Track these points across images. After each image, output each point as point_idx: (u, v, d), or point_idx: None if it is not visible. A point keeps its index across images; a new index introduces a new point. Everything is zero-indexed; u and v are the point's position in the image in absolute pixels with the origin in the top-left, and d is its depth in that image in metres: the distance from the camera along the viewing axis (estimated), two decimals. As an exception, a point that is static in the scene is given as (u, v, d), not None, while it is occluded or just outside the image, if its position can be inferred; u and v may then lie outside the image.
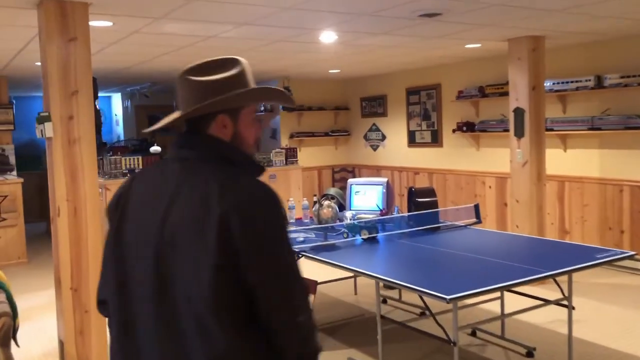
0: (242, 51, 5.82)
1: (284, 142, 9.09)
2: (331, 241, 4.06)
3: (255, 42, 5.35)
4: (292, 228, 4.79)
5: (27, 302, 5.76)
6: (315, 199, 5.26)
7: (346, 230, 4.26)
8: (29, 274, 6.87)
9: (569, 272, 3.32)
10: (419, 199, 4.56)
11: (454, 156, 7.87)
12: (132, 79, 8.48)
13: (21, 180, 7.41)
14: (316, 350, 1.35)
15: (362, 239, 4.16)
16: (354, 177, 9.59)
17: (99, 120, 3.65)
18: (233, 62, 1.48)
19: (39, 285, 6.36)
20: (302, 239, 4.24)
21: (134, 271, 1.36)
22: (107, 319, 1.50)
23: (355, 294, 5.48)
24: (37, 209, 10.65)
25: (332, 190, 5.19)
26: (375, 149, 9.25)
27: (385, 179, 4.96)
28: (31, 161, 10.10)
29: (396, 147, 8.82)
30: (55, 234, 3.49)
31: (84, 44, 3.47)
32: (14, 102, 10.68)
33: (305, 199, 5.29)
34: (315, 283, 4.26)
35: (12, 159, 7.39)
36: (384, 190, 4.87)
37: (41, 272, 6.87)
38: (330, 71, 8.08)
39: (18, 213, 7.41)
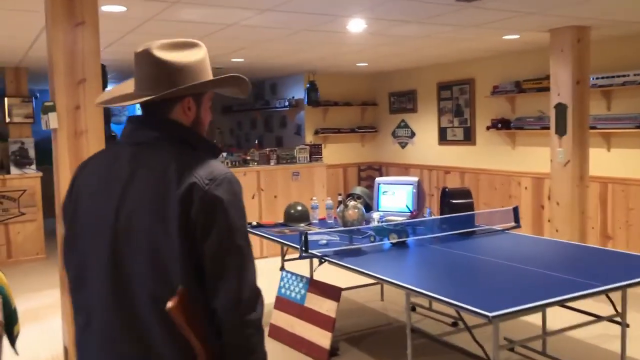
0: (265, 41, 5.53)
1: (309, 138, 8.79)
2: (357, 245, 3.75)
3: (279, 31, 5.06)
4: (314, 229, 4.49)
5: (40, 301, 5.58)
6: (339, 198, 4.96)
7: (373, 234, 3.94)
8: (45, 271, 6.70)
9: (624, 288, 2.95)
10: (454, 201, 4.21)
11: (488, 155, 7.47)
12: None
13: (40, 174, 7.25)
14: (255, 322, 1.37)
15: (391, 243, 3.84)
16: (381, 175, 9.24)
17: (109, 110, 3.38)
18: (197, 45, 1.48)
19: (54, 282, 6.17)
20: (325, 241, 3.93)
21: (92, 260, 1.39)
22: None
23: (382, 299, 5.15)
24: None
25: (358, 190, 4.87)
26: (403, 147, 8.90)
27: (415, 179, 4.62)
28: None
29: (426, 145, 8.45)
30: (58, 241, 3.24)
31: (92, 28, 3.21)
32: (38, 95, 10.62)
33: (329, 198, 4.99)
34: (339, 290, 3.95)
35: (32, 153, 7.23)
36: (415, 191, 4.53)
37: (57, 270, 6.69)
38: (358, 64, 7.74)
39: (37, 208, 7.26)
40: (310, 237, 3.60)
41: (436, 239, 3.99)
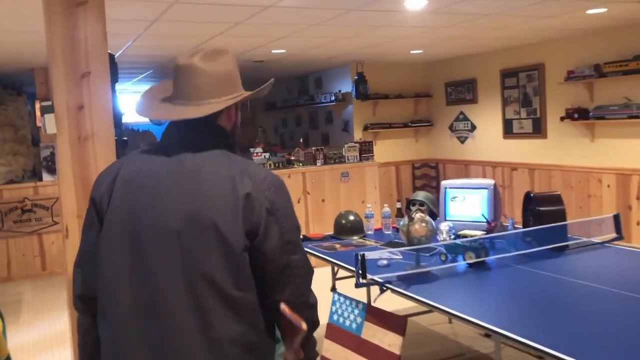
0: (308, 27, 4.86)
1: (357, 135, 8.10)
2: (425, 268, 3.04)
3: (324, 14, 4.38)
4: (370, 243, 3.81)
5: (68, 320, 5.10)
6: (398, 205, 4.26)
7: (444, 252, 3.23)
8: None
9: None
10: (541, 208, 3.45)
11: (562, 149, 6.60)
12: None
13: (73, 180, 6.81)
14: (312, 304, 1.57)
15: (467, 264, 3.12)
16: (437, 173, 8.46)
17: (119, 110, 2.78)
18: (227, 52, 1.58)
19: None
20: (385, 262, 3.24)
21: (154, 253, 1.42)
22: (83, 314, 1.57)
23: (450, 321, 4.43)
24: None
25: (421, 195, 4.15)
26: (463, 141, 8.09)
27: (491, 181, 3.87)
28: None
29: (489, 139, 7.62)
30: (65, 262, 2.68)
31: (96, 9, 2.62)
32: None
33: (386, 205, 4.29)
34: (404, 320, 3.25)
35: (64, 158, 6.79)
36: (491, 196, 3.79)
37: (92, 283, 6.23)
38: (412, 52, 6.99)
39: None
40: (367, 255, 2.93)
41: (521, 257, 3.25)
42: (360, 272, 2.88)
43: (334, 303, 3.74)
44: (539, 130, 6.83)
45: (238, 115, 1.61)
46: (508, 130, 7.28)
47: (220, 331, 1.39)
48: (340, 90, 8.25)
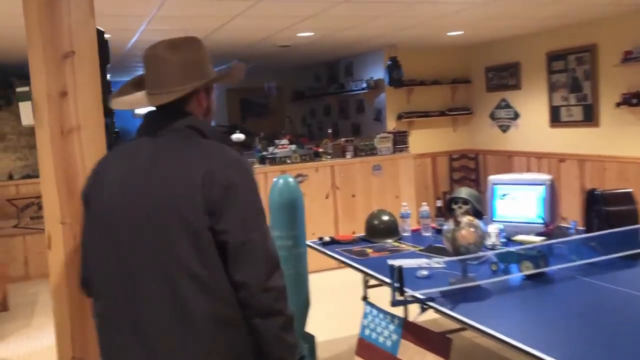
0: (336, 5, 4.39)
1: (390, 124, 7.59)
2: (472, 280, 2.57)
3: (354, -11, 3.90)
4: (406, 247, 3.35)
5: None
6: (438, 203, 3.78)
7: (496, 261, 2.75)
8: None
9: None
10: (610, 208, 2.93)
11: (617, 138, 5.99)
12: (215, 57, 7.33)
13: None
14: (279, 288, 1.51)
15: (524, 276, 2.64)
16: (476, 165, 7.90)
17: (109, 97, 2.37)
18: (197, 40, 1.63)
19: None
20: (425, 272, 2.77)
21: (129, 241, 1.50)
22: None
23: (496, 334, 3.93)
24: None
25: (464, 192, 3.66)
26: (505, 130, 7.51)
27: (548, 177, 3.36)
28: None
29: (533, 128, 7.03)
30: (49, 277, 2.28)
31: (81, -23, 2.20)
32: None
33: (424, 204, 3.80)
34: (449, 342, 2.79)
35: (82, 151, 6.47)
36: (548, 193, 3.28)
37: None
38: (450, 34, 6.44)
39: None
40: (404, 264, 2.48)
41: (587, 267, 2.74)
42: (397, 284, 2.42)
43: (365, 316, 3.29)
44: (590, 117, 6.22)
45: (210, 100, 1.64)
46: (555, 118, 6.68)
47: (194, 310, 1.45)
48: (372, 77, 7.75)
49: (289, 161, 5.77)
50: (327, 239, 3.56)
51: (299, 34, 5.77)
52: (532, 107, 7.01)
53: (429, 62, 7.78)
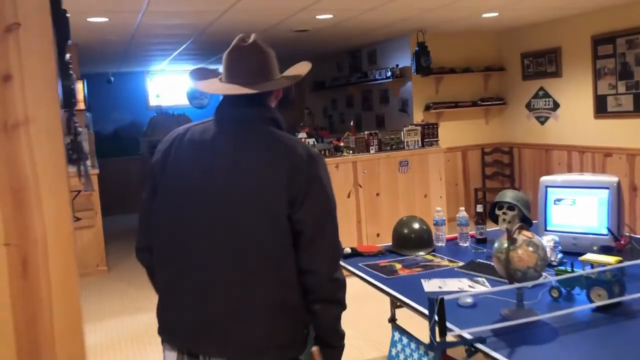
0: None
1: (417, 116, 7.03)
2: (532, 314, 2.02)
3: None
4: (442, 262, 2.82)
5: (105, 334, 4.41)
6: (479, 208, 3.25)
7: (557, 285, 2.21)
8: (108, 288, 5.54)
9: None
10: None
11: (674, 130, 5.36)
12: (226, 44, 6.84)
13: (97, 171, 6.08)
14: (341, 278, 1.64)
15: (594, 307, 2.09)
16: (511, 159, 7.30)
17: (70, 83, 1.85)
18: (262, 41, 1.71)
19: (122, 304, 5.00)
20: (470, 300, 2.23)
21: (203, 214, 1.57)
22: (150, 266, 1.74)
23: None
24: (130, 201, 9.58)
25: (509, 196, 3.10)
26: (543, 122, 6.89)
27: (614, 179, 2.78)
28: (131, 145, 8.93)
29: (575, 119, 6.41)
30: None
31: None
32: (112, 78, 9.64)
33: (462, 210, 3.26)
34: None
35: (87, 146, 6.05)
36: (613, 198, 2.71)
37: (122, 287, 5.50)
38: (485, 15, 5.84)
39: (95, 212, 6.12)
40: (443, 285, 1.95)
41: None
42: (436, 322, 1.89)
43: (393, 344, 2.78)
44: (642, 107, 5.59)
45: (277, 99, 1.74)
46: (601, 109, 6.05)
47: (259, 289, 1.54)
48: (397, 65, 7.18)
49: (306, 157, 5.25)
50: (347, 250, 3.04)
51: (317, 17, 5.24)
52: (574, 96, 6.38)
53: (460, 48, 7.18)
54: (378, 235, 5.41)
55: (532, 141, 7.06)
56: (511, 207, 3.06)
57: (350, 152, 5.43)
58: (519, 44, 7.08)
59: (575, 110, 6.39)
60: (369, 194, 5.39)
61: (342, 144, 5.60)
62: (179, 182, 1.63)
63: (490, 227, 3.23)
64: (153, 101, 10.12)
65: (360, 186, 5.36)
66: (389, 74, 7.18)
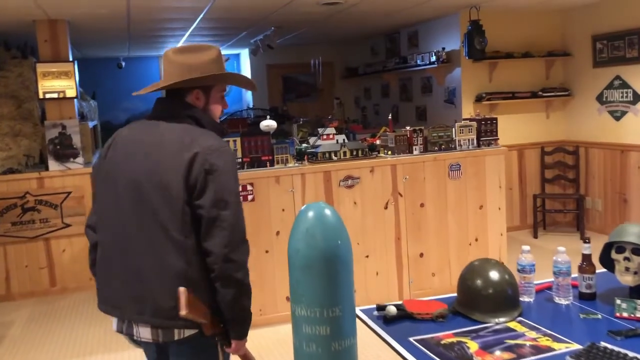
0: None
1: (467, 108, 5.98)
2: None
3: None
4: (536, 337, 1.81)
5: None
6: (586, 249, 2.23)
7: None
8: (96, 310, 4.65)
9: None
10: None
11: None
12: (249, 21, 5.88)
13: (89, 170, 5.21)
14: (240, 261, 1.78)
15: None
16: (576, 161, 6.19)
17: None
18: (207, 49, 1.95)
19: (104, 335, 4.11)
20: None
21: (125, 199, 1.83)
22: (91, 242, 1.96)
23: None
24: None
25: (633, 235, 2.07)
26: (619, 118, 5.76)
27: None
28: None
29: (663, 115, 5.28)
30: None
31: None
32: (124, 63, 8.78)
33: (561, 250, 2.22)
34: None
35: (78, 140, 5.18)
36: None
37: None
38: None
39: (86, 217, 5.25)
40: None
41: None
42: None
43: None
44: None
45: (209, 100, 1.95)
46: (699, 102, 4.92)
47: (169, 266, 1.76)
48: (444, 48, 6.12)
49: (335, 157, 4.27)
50: (392, 309, 2.06)
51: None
52: (663, 86, 5.24)
53: (518, 29, 6.09)
54: (422, 255, 4.41)
55: (603, 140, 5.93)
56: (638, 250, 2.04)
57: (389, 152, 4.42)
58: (590, 24, 5.94)
59: (662, 104, 5.26)
60: (412, 204, 4.38)
61: (378, 142, 4.60)
62: (109, 168, 1.90)
63: (599, 269, 2.21)
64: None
65: (401, 195, 4.35)
66: (434, 58, 6.13)
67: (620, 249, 2.08)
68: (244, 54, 9.18)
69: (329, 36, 7.75)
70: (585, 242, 2.17)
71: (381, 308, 2.11)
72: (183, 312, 1.69)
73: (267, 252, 4.06)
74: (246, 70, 9.22)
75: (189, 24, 5.84)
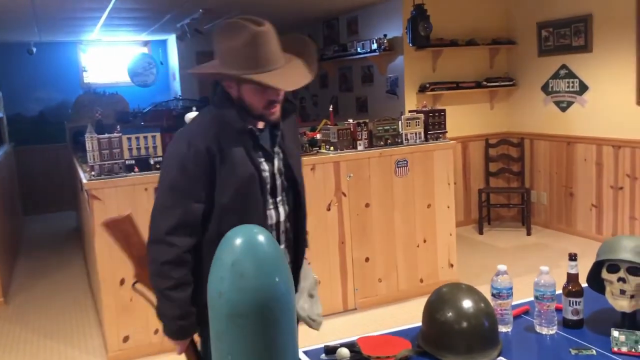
0: None
1: (410, 99, 5.66)
2: None
3: None
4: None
5: None
6: (571, 267, 1.89)
7: None
8: (7, 332, 4.02)
9: None
10: None
11: None
12: (172, 2, 5.31)
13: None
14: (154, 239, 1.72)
15: None
16: (521, 153, 5.99)
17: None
18: (242, 30, 1.64)
19: (26, 352, 3.51)
20: None
21: None
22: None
23: None
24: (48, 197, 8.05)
25: (629, 249, 1.73)
26: (565, 108, 5.58)
27: None
28: (60, 129, 7.28)
29: (610, 105, 5.12)
30: None
31: None
32: (35, 49, 7.95)
33: (544, 269, 1.85)
34: None
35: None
36: None
37: (23, 333, 3.97)
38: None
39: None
40: None
41: None
42: None
43: None
44: None
45: (241, 90, 1.72)
46: (647, 92, 4.77)
47: None
48: (385, 35, 5.75)
49: (271, 155, 3.81)
50: (343, 352, 1.64)
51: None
52: (609, 76, 5.08)
53: (463, 16, 5.82)
54: (367, 260, 4.04)
55: (549, 131, 5.75)
56: (635, 270, 1.71)
57: (331, 148, 4.01)
58: (535, 11, 5.73)
59: (609, 94, 5.10)
60: (356, 204, 3.99)
61: (319, 137, 4.18)
62: None
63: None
64: (89, 77, 8.48)
65: (345, 195, 3.95)
66: (375, 46, 5.76)
67: (614, 268, 1.75)
68: (171, 40, 8.53)
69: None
70: (571, 259, 1.82)
71: (331, 351, 1.68)
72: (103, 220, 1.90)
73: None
74: (173, 58, 8.58)
75: (104, 5, 5.20)
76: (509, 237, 5.68)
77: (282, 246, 1.84)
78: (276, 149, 1.83)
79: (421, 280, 4.25)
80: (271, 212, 1.81)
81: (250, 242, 1.31)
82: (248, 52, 1.64)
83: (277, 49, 1.70)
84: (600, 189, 5.25)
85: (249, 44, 1.63)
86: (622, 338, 1.63)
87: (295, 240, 1.91)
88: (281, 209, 1.85)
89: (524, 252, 5.19)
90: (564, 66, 5.51)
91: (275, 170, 1.82)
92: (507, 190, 6.14)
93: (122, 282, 3.44)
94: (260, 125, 1.79)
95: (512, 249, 5.30)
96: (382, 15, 5.93)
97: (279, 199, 1.84)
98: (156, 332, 3.52)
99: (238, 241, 1.31)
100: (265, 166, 1.78)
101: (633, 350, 1.61)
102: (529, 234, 5.70)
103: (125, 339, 3.50)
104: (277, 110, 1.76)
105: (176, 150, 1.70)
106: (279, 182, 1.83)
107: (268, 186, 1.80)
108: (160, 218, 1.69)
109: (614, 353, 1.62)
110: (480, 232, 5.80)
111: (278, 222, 1.84)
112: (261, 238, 1.33)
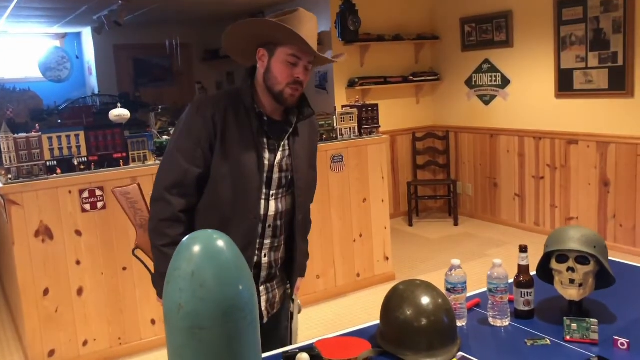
0: None
1: (340, 94, 5.66)
2: None
3: None
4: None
5: None
6: (522, 259, 1.92)
7: None
8: None
9: None
10: None
11: (661, 113, 4.39)
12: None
13: None
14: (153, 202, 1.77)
15: None
16: (446, 146, 6.14)
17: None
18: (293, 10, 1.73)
19: None
20: None
21: None
22: None
23: None
24: None
25: (577, 239, 1.78)
26: (488, 102, 5.77)
27: None
28: None
29: (531, 98, 5.33)
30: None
31: None
32: None
33: (497, 262, 1.86)
34: None
35: None
36: None
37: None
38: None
39: None
40: None
41: None
42: None
43: None
44: (622, 85, 4.57)
45: (272, 60, 1.73)
46: (565, 86, 4.99)
47: None
48: (313, 29, 5.70)
49: (203, 152, 3.67)
50: (303, 357, 1.58)
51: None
52: (529, 71, 5.29)
53: (389, 12, 5.88)
54: (304, 257, 3.98)
55: (473, 124, 5.93)
56: (584, 258, 1.75)
57: (265, 144, 3.91)
58: (458, 6, 5.88)
59: (530, 88, 5.31)
60: (292, 201, 3.92)
61: (251, 133, 4.08)
62: None
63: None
64: (-3, 73, 7.90)
65: (280, 192, 3.88)
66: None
67: (562, 258, 1.78)
68: (86, 33, 8.09)
69: (186, 15, 7.02)
70: (521, 251, 1.84)
71: (290, 357, 1.61)
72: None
73: (124, 269, 3.38)
74: (89, 52, 8.15)
75: (12, -6, 4.84)
76: (437, 228, 5.81)
77: (268, 241, 1.83)
78: (283, 144, 1.80)
79: (358, 275, 4.25)
80: (261, 202, 1.78)
81: (209, 249, 1.22)
82: (293, 19, 1.69)
83: (315, 35, 1.77)
84: (522, 179, 5.47)
85: (296, 17, 1.70)
86: (574, 326, 1.66)
87: (286, 247, 1.93)
88: (272, 204, 1.80)
89: (452, 242, 5.32)
90: (486, 61, 5.68)
91: (275, 163, 1.78)
92: (434, 183, 6.28)
93: (45, 291, 3.20)
94: (273, 113, 1.79)
95: (441, 240, 5.42)
96: (310, 9, 5.83)
97: (272, 192, 1.80)
98: (85, 343, 3.31)
99: (196, 249, 1.22)
100: (266, 154, 1.76)
101: (585, 337, 1.64)
102: (456, 224, 5.85)
103: (51, 353, 3.26)
104: (297, 93, 1.75)
105: (186, 115, 1.76)
106: (276, 175, 1.79)
107: (265, 175, 1.76)
108: (162, 175, 1.75)
109: (567, 341, 1.65)
110: (410, 224, 5.90)
111: (266, 214, 1.79)
112: (221, 244, 1.24)
